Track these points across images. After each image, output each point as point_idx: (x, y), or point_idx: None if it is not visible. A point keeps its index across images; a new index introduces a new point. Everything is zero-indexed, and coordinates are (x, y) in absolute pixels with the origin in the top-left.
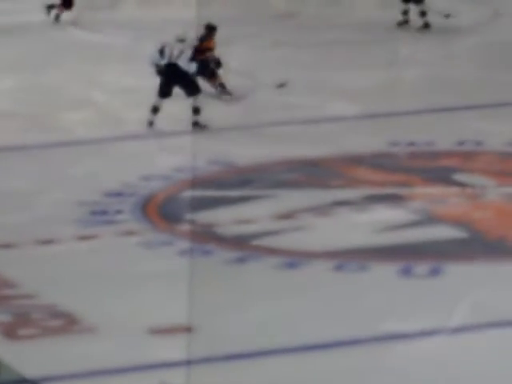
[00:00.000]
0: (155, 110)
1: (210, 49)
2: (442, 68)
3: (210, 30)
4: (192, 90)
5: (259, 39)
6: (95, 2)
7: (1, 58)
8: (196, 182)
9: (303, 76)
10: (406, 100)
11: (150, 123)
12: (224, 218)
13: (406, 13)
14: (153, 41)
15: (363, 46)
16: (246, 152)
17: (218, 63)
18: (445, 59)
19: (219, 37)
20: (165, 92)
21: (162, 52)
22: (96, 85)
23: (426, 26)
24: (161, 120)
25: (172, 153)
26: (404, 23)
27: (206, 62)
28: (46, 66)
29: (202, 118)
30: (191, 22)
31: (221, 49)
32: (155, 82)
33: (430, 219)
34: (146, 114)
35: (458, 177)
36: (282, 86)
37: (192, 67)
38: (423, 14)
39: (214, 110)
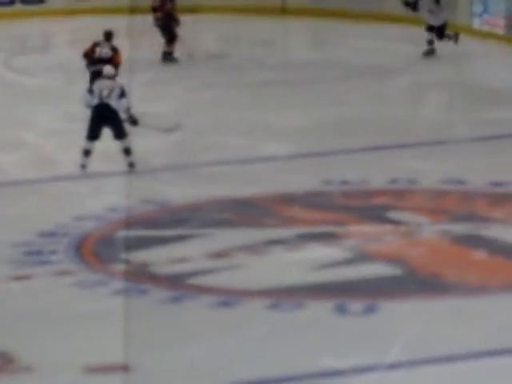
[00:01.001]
0: (87, 153)
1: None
2: (373, 107)
3: (108, 36)
4: (119, 132)
5: (191, 80)
6: (27, 43)
7: None
8: (130, 222)
9: (235, 116)
10: (338, 139)
11: (83, 166)
12: (158, 258)
13: (431, 42)
14: (84, 82)
15: (295, 86)
16: (180, 191)
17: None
18: (376, 98)
19: (153, 78)
20: (94, 135)
21: (91, 91)
22: (28, 126)
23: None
24: (93, 160)
25: (105, 193)
26: (430, 53)
27: None
28: None
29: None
30: (123, 63)
31: (153, 89)
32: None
33: (364, 257)
34: (78, 154)
35: (392, 215)
36: (173, 130)
37: (123, 104)
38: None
39: (145, 149)
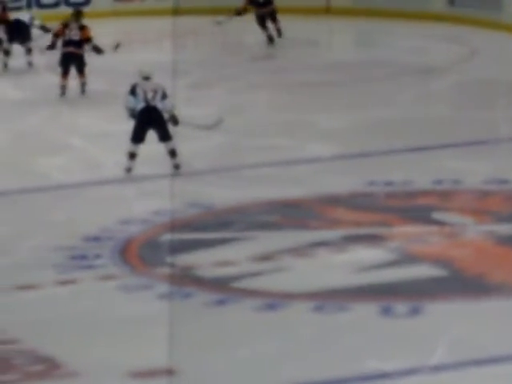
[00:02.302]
0: (132, 156)
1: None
2: (418, 107)
3: (77, 15)
4: (165, 135)
5: (236, 82)
6: None
7: None
8: (175, 225)
9: (279, 117)
10: (382, 140)
11: (128, 169)
12: (203, 261)
13: None
14: (127, 85)
15: (340, 87)
16: (224, 194)
17: None
18: (420, 99)
19: (196, 80)
20: (139, 137)
21: (133, 92)
22: (72, 130)
23: None
24: (137, 163)
25: (150, 196)
26: None
27: None
28: (21, 112)
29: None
30: (167, 65)
31: (197, 92)
32: (130, 125)
33: (408, 258)
34: (123, 158)
35: (436, 215)
36: (117, 47)
37: (167, 105)
38: None
39: (190, 151)
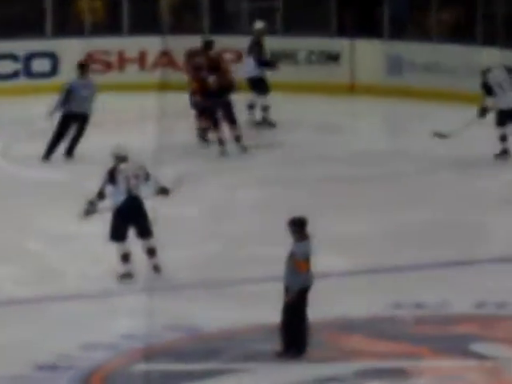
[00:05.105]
0: (125, 257)
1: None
2: (456, 210)
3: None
4: (146, 230)
5: (234, 175)
6: (31, 127)
7: None
8: (150, 352)
9: (284, 221)
10: (411, 250)
11: (127, 275)
12: None
13: (504, 138)
14: (92, 176)
15: (362, 183)
16: (213, 315)
17: None
18: (460, 199)
19: (181, 171)
20: (120, 234)
21: (112, 179)
22: (29, 231)
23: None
24: (105, 275)
25: (120, 315)
26: (504, 153)
27: None
28: None
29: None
30: (149, 152)
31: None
32: (98, 226)
33: None
34: (87, 266)
35: (476, 347)
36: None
37: (150, 190)
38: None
39: (171, 261)
